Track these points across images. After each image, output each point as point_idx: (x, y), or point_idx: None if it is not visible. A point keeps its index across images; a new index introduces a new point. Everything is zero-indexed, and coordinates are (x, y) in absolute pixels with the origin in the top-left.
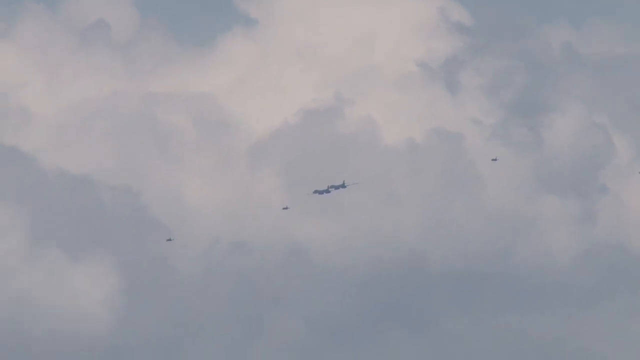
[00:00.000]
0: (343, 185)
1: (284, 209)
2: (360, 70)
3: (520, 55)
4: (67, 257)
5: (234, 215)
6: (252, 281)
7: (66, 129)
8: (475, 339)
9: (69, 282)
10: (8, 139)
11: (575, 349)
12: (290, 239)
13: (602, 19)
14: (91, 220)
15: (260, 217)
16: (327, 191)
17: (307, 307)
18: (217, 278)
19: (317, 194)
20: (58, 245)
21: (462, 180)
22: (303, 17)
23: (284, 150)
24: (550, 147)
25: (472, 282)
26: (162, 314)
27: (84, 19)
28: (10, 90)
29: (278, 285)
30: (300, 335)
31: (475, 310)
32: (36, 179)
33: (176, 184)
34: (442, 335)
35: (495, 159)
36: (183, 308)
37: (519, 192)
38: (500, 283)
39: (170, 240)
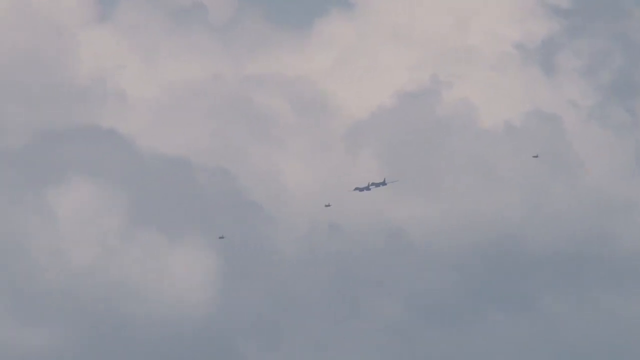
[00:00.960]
0: (384, 183)
1: (326, 206)
2: (457, 52)
3: (618, 36)
4: (165, 238)
5: (332, 198)
6: (350, 263)
7: (163, 111)
8: (573, 320)
9: (167, 263)
10: (106, 121)
11: None
12: (388, 221)
13: None
14: (189, 202)
15: (357, 199)
16: (368, 188)
17: (406, 289)
18: (315, 260)
19: (358, 191)
20: (156, 226)
21: (560, 162)
22: None
23: (381, 132)
24: None
25: (570, 263)
26: (260, 296)
27: (181, 1)
28: (108, 73)
29: (377, 267)
30: (399, 317)
31: (573, 291)
32: (134, 161)
33: (273, 167)
34: (541, 316)
35: (536, 156)
36: (281, 290)
37: (618, 174)
38: (598, 265)
39: (222, 237)
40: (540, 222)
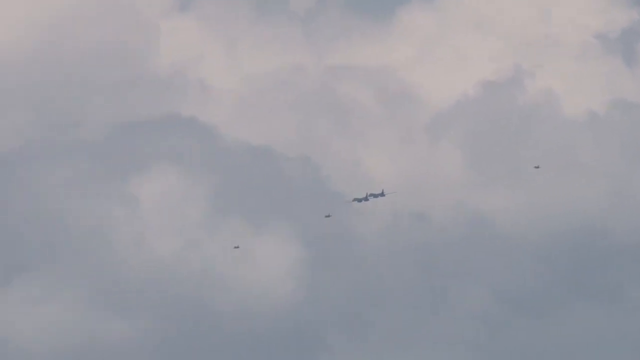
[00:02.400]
0: (382, 194)
1: (326, 216)
2: (539, 42)
3: None
4: (249, 228)
5: (415, 188)
6: (435, 253)
7: (245, 101)
8: None
9: (251, 253)
10: (186, 110)
11: None
12: (472, 211)
13: None
14: (272, 191)
15: (441, 189)
16: (366, 199)
17: (491, 279)
18: (400, 251)
19: (357, 202)
20: (240, 216)
21: None
22: None
23: (464, 122)
24: None
25: None
26: (345, 287)
27: None
28: (189, 63)
29: (461, 257)
30: (484, 307)
31: None
32: (216, 150)
33: (356, 157)
34: (626, 306)
35: (537, 167)
36: (366, 280)
37: None
38: None
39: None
40: (624, 210)
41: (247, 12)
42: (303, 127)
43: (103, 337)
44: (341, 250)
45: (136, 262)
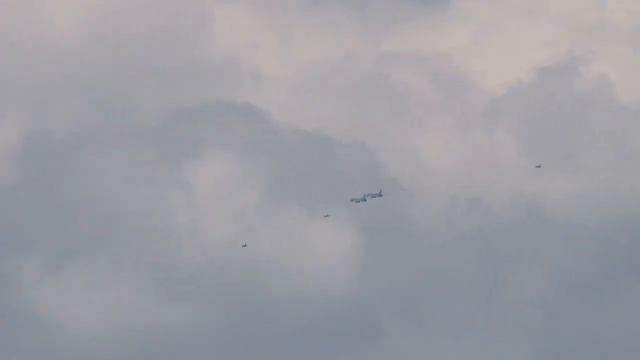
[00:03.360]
0: (380, 194)
1: (325, 216)
2: (594, 28)
3: None
4: (305, 213)
5: (471, 174)
6: (491, 238)
7: (299, 88)
8: None
9: (307, 238)
10: (241, 96)
11: None
12: (527, 196)
13: None
14: (327, 177)
15: (496, 176)
16: (364, 199)
17: (548, 264)
18: (456, 236)
19: (355, 202)
20: (296, 201)
21: None
22: None
23: (519, 109)
24: None
25: None
26: (401, 271)
27: None
28: (243, 51)
29: (517, 242)
30: (541, 292)
31: None
32: (271, 135)
33: (411, 143)
34: None
35: (539, 166)
36: (423, 265)
37: None
38: None
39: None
40: None
41: (300, 0)
42: (358, 114)
43: (158, 323)
44: (397, 236)
45: (191, 247)
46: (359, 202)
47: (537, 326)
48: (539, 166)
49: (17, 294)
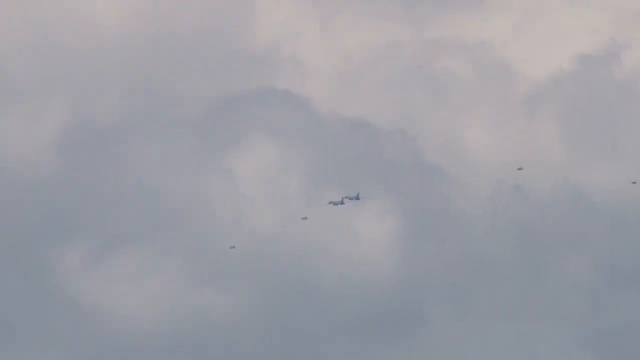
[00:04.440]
0: (357, 198)
1: (303, 218)
2: (636, 15)
3: None
4: (347, 200)
5: (514, 161)
6: (534, 225)
7: (340, 76)
8: None
9: (350, 225)
10: (280, 83)
11: None
12: (570, 183)
13: None
14: (369, 164)
15: (539, 162)
16: (342, 202)
17: (593, 252)
18: (499, 222)
19: (332, 205)
20: (338, 188)
21: None
22: None
23: (560, 96)
24: None
25: None
26: (445, 259)
27: None
28: (283, 39)
29: (561, 230)
30: (587, 280)
31: None
32: (313, 123)
33: (453, 130)
34: None
35: (520, 168)
36: (467, 251)
37: None
38: None
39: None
40: None
41: None
42: (399, 101)
43: (201, 312)
44: (440, 223)
45: (234, 235)
46: (337, 204)
47: (581, 314)
48: (521, 169)
49: (61, 283)
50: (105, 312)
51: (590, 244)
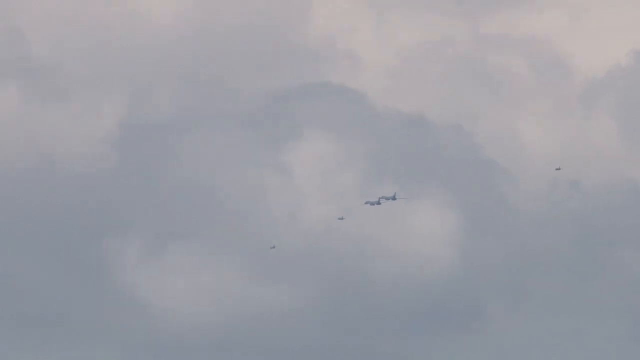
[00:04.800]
0: (394, 198)
1: (339, 219)
2: None
3: None
4: (404, 194)
5: (571, 156)
6: (590, 220)
7: (396, 70)
8: None
9: (406, 220)
10: (336, 77)
11: None
12: (627, 178)
13: None
14: (425, 158)
15: (595, 158)
16: (379, 202)
17: None
18: (556, 217)
19: (369, 205)
20: (394, 182)
21: None
22: None
23: (617, 91)
24: None
25: None
26: (502, 253)
27: None
28: (339, 33)
29: (618, 225)
30: None
31: None
32: (368, 117)
33: (509, 125)
34: None
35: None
36: (523, 246)
37: None
38: None
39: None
40: None
41: None
42: (455, 96)
43: (258, 305)
44: (497, 217)
45: (291, 229)
46: (373, 204)
47: (638, 308)
48: (559, 169)
49: (117, 277)
50: (160, 307)
51: None
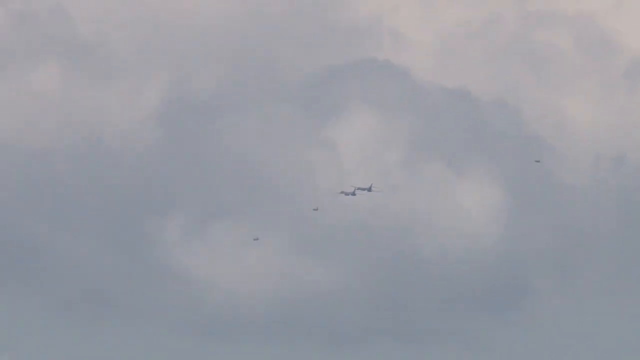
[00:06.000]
0: (369, 189)
1: (314, 209)
2: None
3: None
4: (451, 171)
5: (614, 133)
6: (636, 197)
7: (441, 47)
8: None
9: (453, 196)
10: (381, 54)
11: None
12: None
13: None
14: (470, 134)
15: (639, 135)
16: (353, 193)
17: None
18: (601, 194)
19: (344, 195)
20: (440, 158)
21: None
22: None
23: None
24: None
25: None
26: (547, 229)
27: None
28: (383, 13)
29: None
30: None
31: None
32: (413, 93)
33: (554, 102)
34: None
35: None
36: (568, 223)
37: None
38: None
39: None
40: None
41: None
42: (500, 73)
43: (302, 284)
44: (543, 194)
45: (335, 206)
46: (348, 195)
47: None
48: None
49: (161, 253)
50: (205, 284)
51: None
